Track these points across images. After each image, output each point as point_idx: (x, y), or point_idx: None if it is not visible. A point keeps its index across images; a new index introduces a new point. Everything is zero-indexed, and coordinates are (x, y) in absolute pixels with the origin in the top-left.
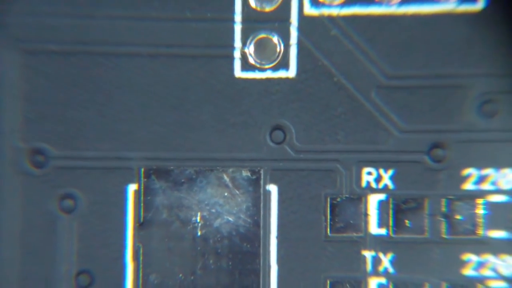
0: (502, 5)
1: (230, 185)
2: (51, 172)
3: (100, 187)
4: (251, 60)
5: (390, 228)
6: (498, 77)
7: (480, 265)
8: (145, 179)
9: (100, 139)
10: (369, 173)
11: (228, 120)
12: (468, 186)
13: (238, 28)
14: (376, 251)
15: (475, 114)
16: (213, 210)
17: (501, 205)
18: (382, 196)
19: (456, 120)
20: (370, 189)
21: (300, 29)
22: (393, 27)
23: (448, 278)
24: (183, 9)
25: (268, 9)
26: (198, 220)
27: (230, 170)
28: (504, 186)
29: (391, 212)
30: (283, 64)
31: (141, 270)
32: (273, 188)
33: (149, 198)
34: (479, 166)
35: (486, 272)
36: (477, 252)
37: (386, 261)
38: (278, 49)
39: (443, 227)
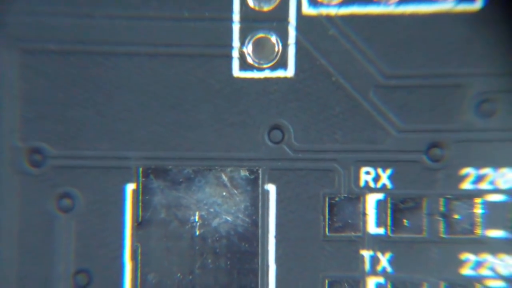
0: (500, 4)
1: (229, 184)
2: (49, 172)
3: (98, 186)
4: (249, 60)
5: (388, 228)
6: (496, 76)
7: (478, 264)
8: (144, 179)
9: (98, 139)
10: (367, 173)
11: (226, 119)
12: (466, 185)
13: (236, 27)
14: (374, 250)
15: (473, 113)
16: (212, 210)
17: (499, 204)
18: (380, 196)
19: (454, 120)
20: (368, 189)
21: (298, 28)
22: (391, 26)
23: (446, 277)
24: (181, 9)
25: (266, 8)
26: (197, 220)
27: (229, 169)
28: (502, 185)
29: (389, 211)
30: (281, 63)
31: (139, 270)
32: (271, 188)
33: (147, 197)
34: (477, 166)
35: (484, 271)
36: (475, 252)
37: (384, 260)
38: (276, 49)
39: (441, 226)
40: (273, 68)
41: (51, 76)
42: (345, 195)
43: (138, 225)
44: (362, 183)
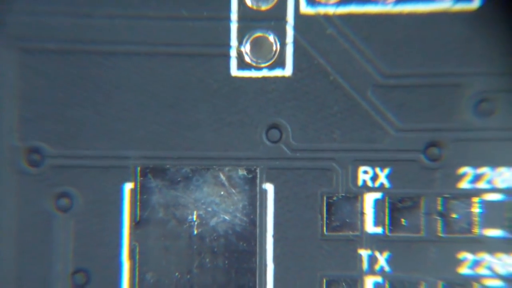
0: (497, 3)
1: (226, 183)
2: (48, 171)
3: (97, 185)
4: (247, 59)
5: (386, 227)
6: (494, 75)
7: (476, 263)
8: (142, 178)
9: (96, 138)
10: (365, 172)
11: (224, 119)
12: (464, 184)
13: (234, 26)
14: (372, 249)
15: (471, 113)
16: (209, 209)
17: (496, 203)
18: (378, 195)
19: (452, 119)
20: (366, 188)
21: (296, 27)
22: (389, 25)
23: (444, 276)
24: (179, 8)
25: (264, 7)
26: (195, 219)
27: (226, 168)
28: (499, 184)
29: (387, 210)
30: (279, 62)
31: (137, 269)
32: (269, 187)
33: (145, 196)
34: (475, 165)
35: (482, 270)
36: (473, 251)
37: (382, 259)
38: (274, 48)
39: (439, 225)
40: (271, 67)
41: (50, 75)
42: (343, 194)
43: (136, 224)
44: (360, 182)
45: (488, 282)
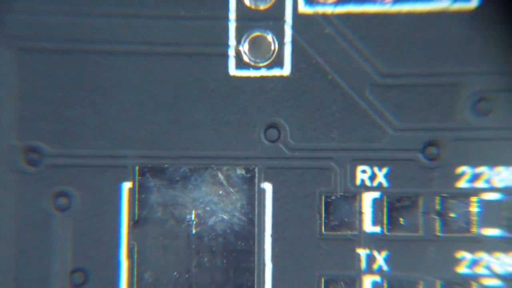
0: (496, 3)
1: (225, 183)
2: (46, 170)
3: (95, 185)
4: (246, 58)
5: (385, 226)
6: (492, 75)
7: (474, 263)
8: (140, 177)
9: (95, 137)
10: (364, 171)
11: (222, 118)
12: (462, 184)
13: (232, 26)
14: (370, 249)
15: (470, 112)
16: (208, 208)
17: (495, 203)
18: (376, 194)
19: (451, 118)
20: (365, 187)
21: (294, 27)
22: (387, 25)
23: (442, 276)
24: (177, 7)
25: (262, 7)
26: (193, 218)
27: (225, 168)
28: (498, 184)
29: (385, 210)
30: (278, 62)
31: (135, 268)
32: (267, 186)
33: (143, 196)
34: (473, 164)
35: (480, 270)
36: (471, 250)
37: (380, 259)
38: (272, 47)
39: (437, 225)
40: (269, 67)
41: (48, 75)
42: (341, 194)
43: (134, 223)
44: (358, 182)
45: (486, 281)
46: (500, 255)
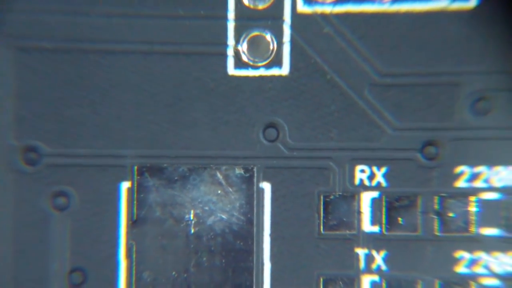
0: (494, 2)
1: (224, 182)
2: (44, 170)
3: (93, 184)
4: (244, 58)
5: (383, 226)
6: (491, 74)
7: (473, 262)
8: (139, 177)
9: (93, 137)
10: (362, 171)
11: (221, 117)
12: (461, 183)
13: (231, 25)
14: (369, 248)
15: (468, 111)
16: (206, 208)
17: (493, 202)
18: (375, 194)
19: (449, 118)
20: (363, 187)
21: (293, 27)
22: (386, 25)
23: (440, 275)
24: (176, 7)
25: (261, 6)
26: (192, 218)
27: (224, 167)
28: (496, 183)
29: (384, 209)
30: (276, 61)
31: (134, 268)
32: (266, 186)
33: (142, 195)
34: (472, 164)
35: (479, 269)
36: (470, 250)
37: (379, 258)
38: (271, 47)
39: (436, 224)
40: (268, 66)
41: (46, 74)
42: (340, 193)
43: (133, 223)
44: (357, 181)
45: (485, 281)
46: (498, 254)
